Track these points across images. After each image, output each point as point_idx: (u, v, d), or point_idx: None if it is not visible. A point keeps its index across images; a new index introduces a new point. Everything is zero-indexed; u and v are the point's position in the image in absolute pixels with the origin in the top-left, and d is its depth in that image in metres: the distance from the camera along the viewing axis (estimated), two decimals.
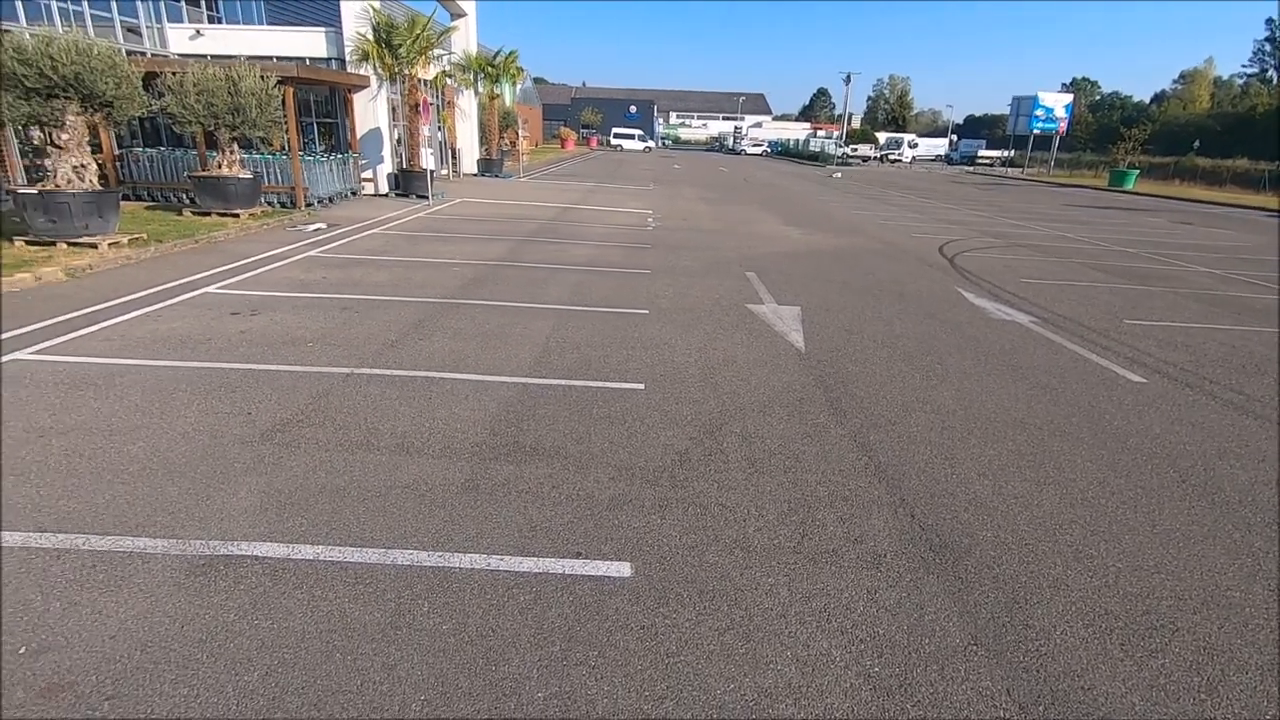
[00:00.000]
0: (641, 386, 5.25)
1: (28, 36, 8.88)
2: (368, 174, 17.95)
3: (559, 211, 16.42)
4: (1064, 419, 5.01)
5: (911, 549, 3.32)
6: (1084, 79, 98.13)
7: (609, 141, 69.92)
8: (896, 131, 78.92)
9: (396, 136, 19.10)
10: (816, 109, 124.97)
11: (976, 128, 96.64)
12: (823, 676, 2.52)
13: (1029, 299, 8.93)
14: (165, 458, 3.84)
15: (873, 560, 3.21)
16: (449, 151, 24.17)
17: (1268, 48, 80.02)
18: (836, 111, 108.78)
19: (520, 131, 30.99)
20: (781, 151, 71.03)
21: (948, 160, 65.57)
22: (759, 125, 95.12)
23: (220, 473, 3.70)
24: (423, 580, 2.93)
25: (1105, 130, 63.59)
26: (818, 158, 58.43)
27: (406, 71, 16.75)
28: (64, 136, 8.63)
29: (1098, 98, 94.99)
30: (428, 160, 16.81)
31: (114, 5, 14.87)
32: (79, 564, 2.91)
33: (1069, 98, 51.02)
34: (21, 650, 2.44)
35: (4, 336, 5.69)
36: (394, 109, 18.82)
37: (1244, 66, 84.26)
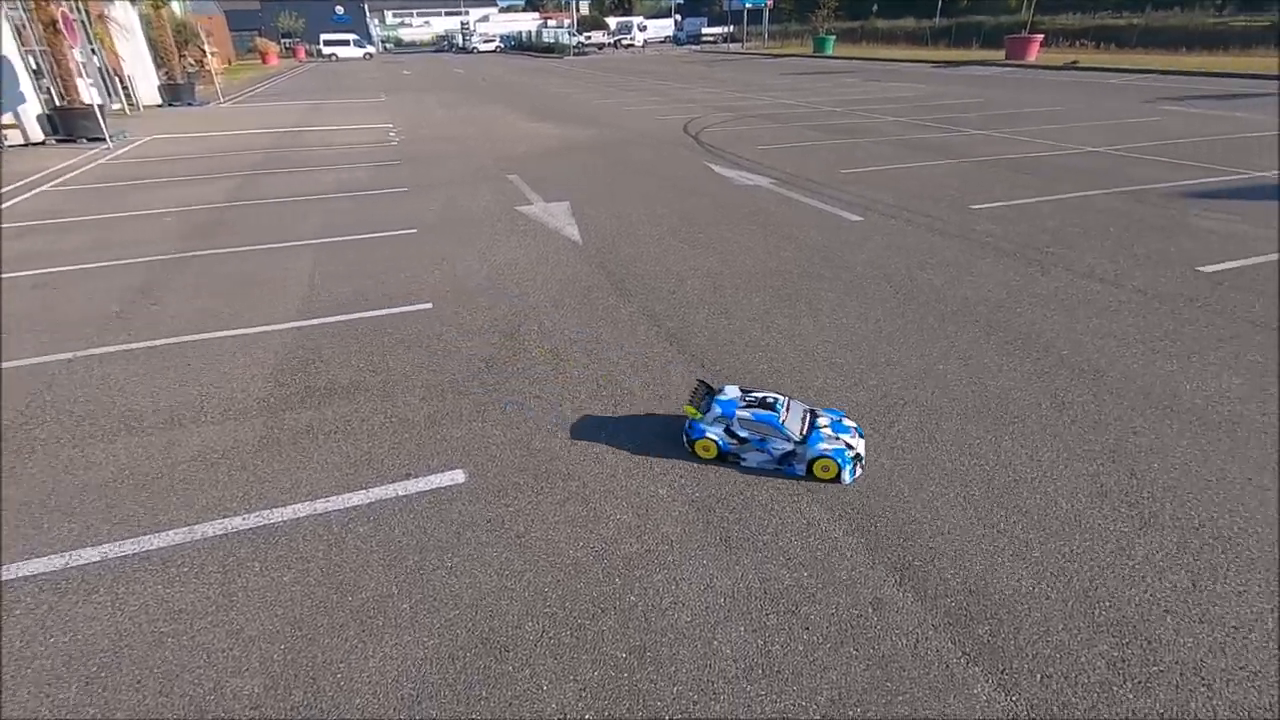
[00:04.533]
0: (429, 305, 5.11)
1: None
2: (6, 118, 14.12)
3: (282, 136, 14.43)
4: (806, 261, 5.83)
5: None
6: None
7: (319, 51, 61.41)
8: (625, 15, 78.88)
9: (34, 65, 15.07)
10: None
11: (697, 6, 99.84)
12: (656, 513, 2.89)
13: (765, 164, 9.91)
14: None
15: (672, 408, 3.63)
16: (115, 79, 19.71)
17: None
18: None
19: (206, 48, 26.08)
20: (516, 45, 67.91)
21: (676, 41, 67.30)
22: (485, 19, 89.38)
23: None
24: (244, 544, 2.76)
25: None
26: (552, 49, 56.83)
27: None
28: None
29: None
30: (89, 93, 13.61)
31: None
32: None
33: None
34: None
35: None
36: (19, 30, 14.72)
37: None
